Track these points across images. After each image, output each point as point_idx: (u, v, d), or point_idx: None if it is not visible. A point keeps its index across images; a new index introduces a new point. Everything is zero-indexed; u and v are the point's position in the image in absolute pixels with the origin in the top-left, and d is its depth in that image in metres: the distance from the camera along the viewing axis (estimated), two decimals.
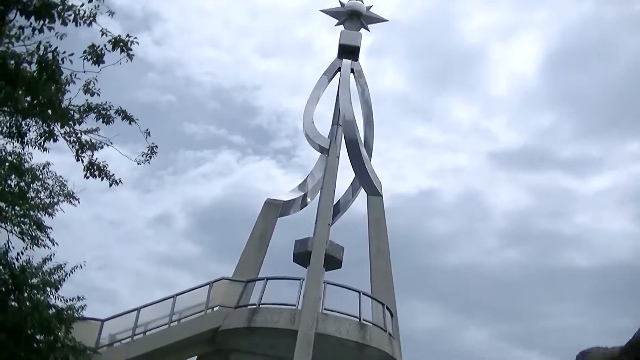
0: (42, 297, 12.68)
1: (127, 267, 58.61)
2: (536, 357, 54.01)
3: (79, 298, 14.03)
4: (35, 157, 12.28)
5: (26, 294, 12.23)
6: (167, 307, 18.80)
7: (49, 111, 9.40)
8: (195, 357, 19.04)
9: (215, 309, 19.00)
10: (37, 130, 10.24)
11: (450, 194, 61.94)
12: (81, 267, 13.52)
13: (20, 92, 8.74)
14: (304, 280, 18.85)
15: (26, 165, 12.31)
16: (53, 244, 13.21)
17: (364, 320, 18.33)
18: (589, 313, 51.61)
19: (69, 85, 9.31)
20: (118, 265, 57.17)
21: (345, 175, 23.88)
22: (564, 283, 52.05)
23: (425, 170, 64.32)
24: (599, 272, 51.58)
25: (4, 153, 11.91)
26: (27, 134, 10.30)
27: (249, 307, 18.67)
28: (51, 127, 9.96)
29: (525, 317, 52.65)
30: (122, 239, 58.19)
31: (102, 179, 10.41)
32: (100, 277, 51.88)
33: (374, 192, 22.30)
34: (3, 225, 12.36)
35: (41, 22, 7.91)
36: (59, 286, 13.19)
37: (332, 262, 20.04)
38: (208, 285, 19.32)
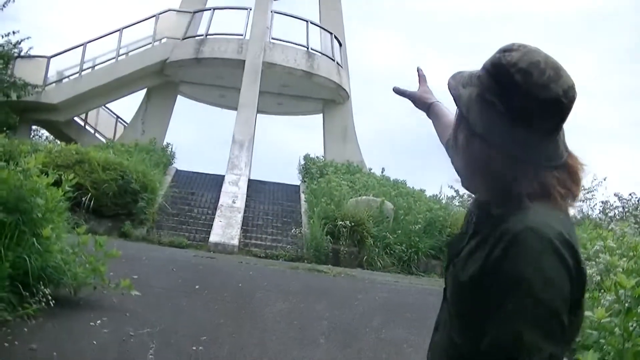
0: None
1: None
2: None
3: (13, 32, 13.70)
4: None
5: None
6: (114, 41, 18.51)
7: None
8: (145, 89, 19.25)
9: (163, 40, 18.74)
10: None
11: None
12: None
13: None
14: (251, 9, 18.41)
15: None
16: None
17: (311, 49, 18.34)
18: None
19: None
20: None
21: None
22: None
23: None
24: None
25: None
26: None
27: (196, 37, 18.45)
28: None
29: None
30: None
31: None
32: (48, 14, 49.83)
33: None
34: None
35: None
36: None
37: None
38: (154, 17, 18.83)
